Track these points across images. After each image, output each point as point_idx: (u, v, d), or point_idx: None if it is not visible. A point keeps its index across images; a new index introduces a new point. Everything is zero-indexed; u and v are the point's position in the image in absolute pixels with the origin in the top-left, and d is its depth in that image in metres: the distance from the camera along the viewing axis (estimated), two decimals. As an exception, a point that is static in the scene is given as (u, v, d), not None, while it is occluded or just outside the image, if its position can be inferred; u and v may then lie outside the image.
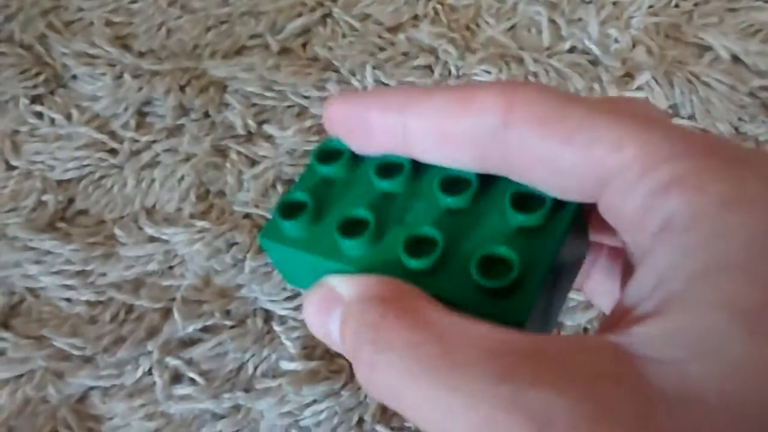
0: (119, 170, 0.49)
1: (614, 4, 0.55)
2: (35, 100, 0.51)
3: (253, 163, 0.49)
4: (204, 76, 0.51)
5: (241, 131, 0.49)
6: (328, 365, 0.42)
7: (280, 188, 0.47)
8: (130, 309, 0.44)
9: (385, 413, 0.39)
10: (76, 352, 0.43)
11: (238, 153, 0.49)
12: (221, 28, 0.54)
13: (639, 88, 0.51)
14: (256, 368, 0.42)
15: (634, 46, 0.53)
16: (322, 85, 0.51)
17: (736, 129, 0.50)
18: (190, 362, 0.42)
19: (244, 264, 0.45)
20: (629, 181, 0.20)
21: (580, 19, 0.54)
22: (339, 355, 0.43)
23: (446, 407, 0.17)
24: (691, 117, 0.51)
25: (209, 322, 0.43)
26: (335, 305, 0.22)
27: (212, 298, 0.44)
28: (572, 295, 0.42)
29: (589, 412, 0.16)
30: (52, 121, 0.50)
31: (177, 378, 0.42)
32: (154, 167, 0.49)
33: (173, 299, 0.44)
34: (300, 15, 0.54)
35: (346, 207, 0.23)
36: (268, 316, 0.44)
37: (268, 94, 0.50)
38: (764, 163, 0.20)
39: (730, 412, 0.17)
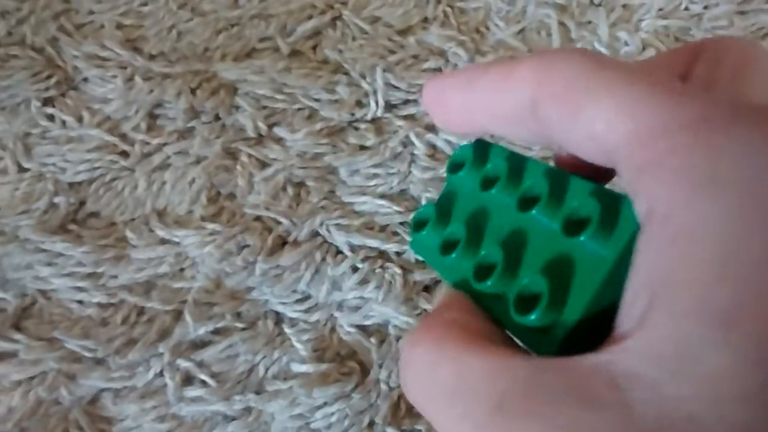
0: (130, 172, 0.49)
1: (624, 7, 0.55)
2: (47, 102, 0.52)
3: (264, 165, 0.49)
4: (214, 78, 0.51)
5: (251, 134, 0.50)
6: (339, 368, 0.42)
7: (290, 190, 0.48)
8: (141, 311, 0.45)
9: (395, 416, 0.39)
10: (87, 354, 0.43)
11: (249, 155, 0.49)
12: (231, 31, 0.54)
13: (649, 91, 0.51)
14: (267, 370, 0.42)
15: (643, 49, 0.53)
16: (332, 88, 0.51)
17: (747, 132, 0.50)
18: (201, 364, 0.43)
19: (255, 266, 0.45)
20: (622, 162, 0.20)
21: (589, 22, 0.54)
22: (350, 358, 0.43)
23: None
24: (702, 120, 0.51)
25: (220, 324, 0.43)
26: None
27: (223, 301, 0.44)
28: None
29: None
30: (64, 123, 0.51)
31: (188, 380, 0.42)
32: (165, 170, 0.49)
33: (184, 301, 0.44)
34: (310, 18, 0.54)
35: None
36: (279, 318, 0.44)
37: (278, 96, 0.50)
38: (752, 127, 0.18)
39: None
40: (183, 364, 0.42)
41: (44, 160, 0.50)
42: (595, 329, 0.21)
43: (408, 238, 0.43)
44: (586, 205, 0.22)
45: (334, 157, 0.49)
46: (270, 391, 0.41)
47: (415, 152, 0.49)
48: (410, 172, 0.48)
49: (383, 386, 0.40)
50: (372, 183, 0.48)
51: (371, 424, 0.40)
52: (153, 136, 0.50)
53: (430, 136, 0.49)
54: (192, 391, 0.41)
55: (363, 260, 0.45)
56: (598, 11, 0.55)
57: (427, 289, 0.44)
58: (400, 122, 0.50)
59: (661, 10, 0.54)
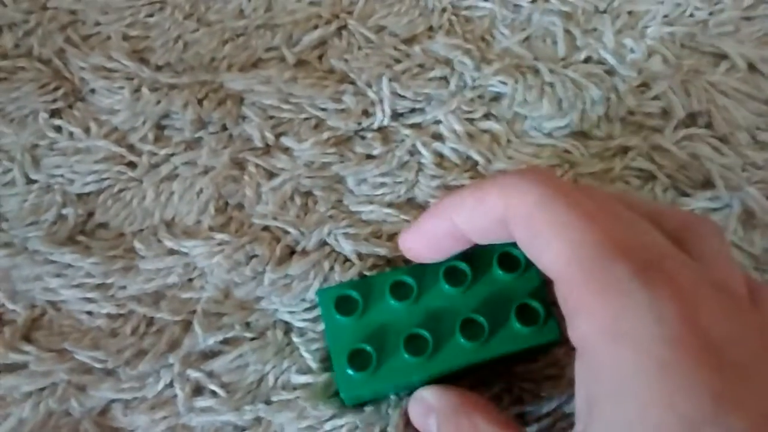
0: (138, 183, 0.49)
1: (629, 14, 0.55)
2: (54, 114, 0.52)
3: (271, 175, 0.49)
4: (221, 89, 0.52)
5: (258, 144, 0.50)
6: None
7: (298, 200, 0.48)
8: (150, 322, 0.45)
9: (408, 427, 0.39)
10: (97, 365, 0.43)
11: (256, 165, 0.49)
12: (237, 41, 0.54)
13: (656, 98, 0.51)
14: (276, 380, 0.42)
15: (649, 55, 0.53)
16: (338, 97, 0.51)
17: (753, 137, 0.50)
18: (211, 374, 0.43)
19: (264, 276, 0.45)
20: (561, 291, 0.26)
21: (595, 29, 0.54)
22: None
23: None
24: (708, 125, 0.51)
25: (230, 335, 0.44)
26: (431, 411, 0.34)
27: (232, 311, 0.44)
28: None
29: None
30: (71, 134, 0.51)
31: (198, 390, 0.42)
32: (173, 180, 0.49)
33: (193, 312, 0.44)
34: (316, 27, 0.54)
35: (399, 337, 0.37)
36: (288, 328, 0.44)
37: (285, 106, 0.50)
38: (656, 291, 0.23)
39: None
40: (193, 374, 0.42)
41: (52, 171, 0.50)
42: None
43: None
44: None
45: (341, 166, 0.49)
46: (280, 401, 0.41)
47: (422, 161, 0.49)
48: (417, 180, 0.48)
49: (393, 396, 0.40)
50: (379, 192, 0.48)
51: (382, 433, 0.40)
52: (160, 146, 0.50)
53: (436, 144, 0.49)
54: (202, 402, 0.42)
55: (371, 268, 0.45)
56: (603, 18, 0.55)
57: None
58: (406, 131, 0.50)
59: (666, 16, 0.55)
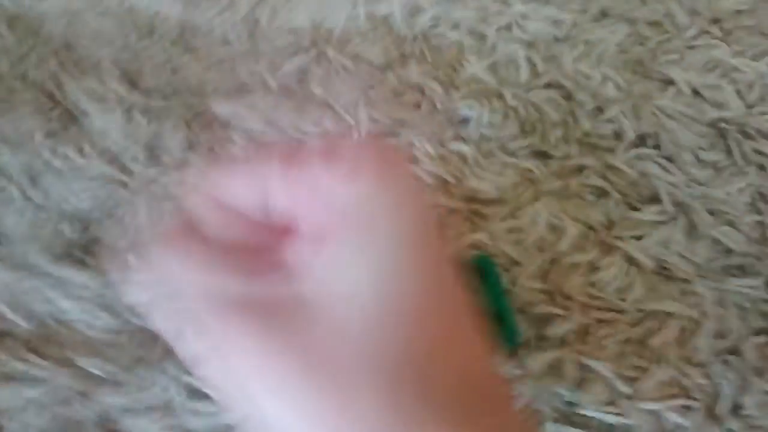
0: (130, 201, 0.52)
1: (585, 43, 0.60)
2: (50, 135, 0.55)
3: (257, 194, 0.52)
4: (208, 112, 0.55)
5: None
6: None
7: (282, 217, 0.51)
8: (146, 330, 0.48)
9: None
10: (98, 372, 0.46)
11: (243, 185, 0.52)
12: (223, 68, 0.57)
13: (609, 121, 0.56)
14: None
15: (603, 81, 0.57)
16: (319, 122, 0.55)
17: (697, 157, 0.55)
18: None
19: (252, 288, 0.48)
20: None
21: (554, 57, 0.59)
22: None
23: None
24: (656, 146, 0.55)
25: (221, 343, 0.47)
26: None
27: (223, 321, 0.48)
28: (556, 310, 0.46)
29: None
30: (66, 155, 0.54)
31: (195, 393, 0.46)
32: (163, 198, 0.52)
33: (187, 322, 0.48)
34: (296, 54, 0.58)
35: None
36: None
37: (269, 130, 0.54)
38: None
39: None
40: (188, 379, 0.46)
41: (48, 189, 0.53)
42: None
43: None
44: None
45: (322, 185, 0.52)
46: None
47: (397, 180, 0.53)
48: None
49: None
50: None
51: None
52: (151, 166, 0.53)
53: (411, 167, 0.53)
54: (199, 405, 0.45)
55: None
56: (562, 47, 0.59)
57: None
58: (382, 152, 0.54)
59: (618, 45, 0.59)
